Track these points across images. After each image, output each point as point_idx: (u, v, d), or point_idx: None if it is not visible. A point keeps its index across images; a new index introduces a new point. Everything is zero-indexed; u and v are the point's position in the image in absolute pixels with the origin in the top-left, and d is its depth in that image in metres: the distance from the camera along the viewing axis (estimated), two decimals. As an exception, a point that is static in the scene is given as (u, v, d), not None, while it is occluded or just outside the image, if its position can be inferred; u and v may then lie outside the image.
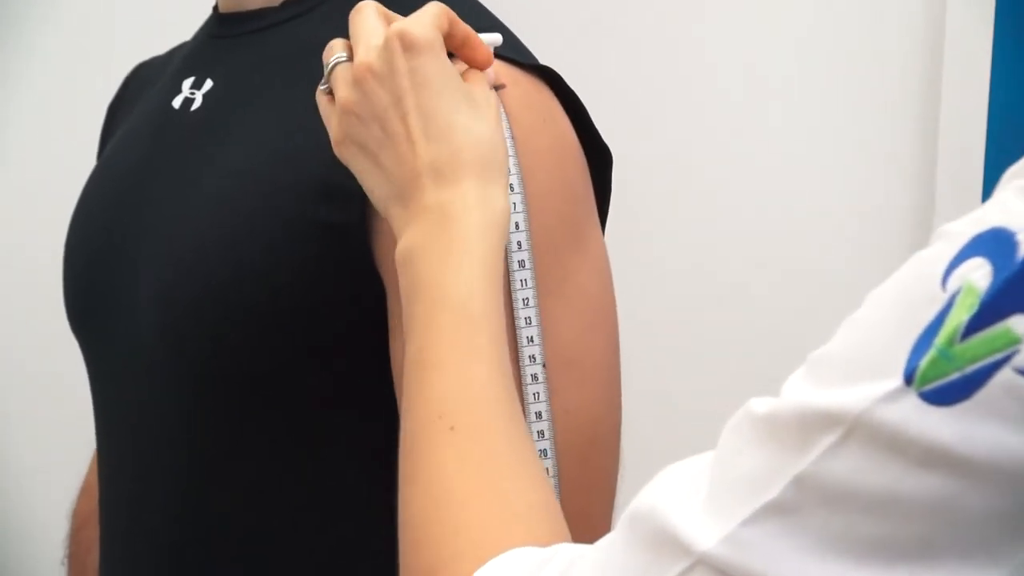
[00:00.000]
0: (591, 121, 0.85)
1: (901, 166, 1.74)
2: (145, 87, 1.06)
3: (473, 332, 0.67)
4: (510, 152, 0.77)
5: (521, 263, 0.77)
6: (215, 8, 0.98)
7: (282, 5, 0.92)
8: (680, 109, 1.85)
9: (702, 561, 0.49)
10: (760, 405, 0.51)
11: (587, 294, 0.80)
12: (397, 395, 0.77)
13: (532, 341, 0.77)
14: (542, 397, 0.77)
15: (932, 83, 1.70)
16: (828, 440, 0.47)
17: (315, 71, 0.80)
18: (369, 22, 0.74)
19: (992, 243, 0.47)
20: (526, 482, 0.63)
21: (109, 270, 0.92)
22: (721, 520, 0.49)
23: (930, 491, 0.46)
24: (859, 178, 1.76)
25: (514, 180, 0.77)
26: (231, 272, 0.81)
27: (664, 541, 0.51)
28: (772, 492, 0.48)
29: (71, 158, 1.45)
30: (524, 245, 0.77)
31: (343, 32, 0.80)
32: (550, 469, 0.76)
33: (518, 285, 0.77)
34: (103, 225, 0.95)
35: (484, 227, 0.70)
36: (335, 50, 0.76)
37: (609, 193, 0.88)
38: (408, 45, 0.72)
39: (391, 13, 0.76)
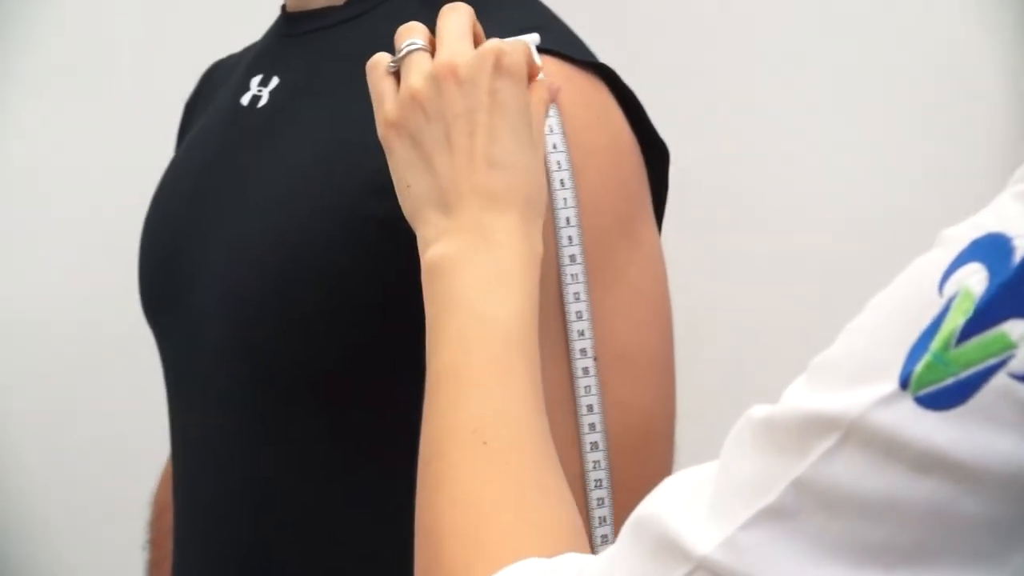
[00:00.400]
0: (647, 118, 0.86)
1: (988, 167, 1.70)
2: (219, 85, 1.09)
3: (512, 355, 0.68)
4: (561, 148, 0.78)
5: (572, 258, 0.78)
6: (283, 7, 1.00)
7: (345, 4, 0.93)
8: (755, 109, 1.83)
9: (702, 566, 0.49)
10: (760, 411, 0.51)
11: (640, 290, 0.80)
12: None
13: (583, 335, 0.78)
14: (593, 390, 0.78)
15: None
16: (825, 444, 0.48)
17: None
18: (464, 25, 0.75)
19: (989, 248, 0.47)
20: (553, 500, 0.64)
21: (180, 265, 0.95)
22: (721, 525, 0.50)
23: (925, 496, 0.46)
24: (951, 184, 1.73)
25: (565, 176, 0.78)
26: (291, 269, 0.83)
27: (666, 546, 0.51)
28: (771, 496, 0.48)
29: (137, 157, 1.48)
30: (575, 240, 0.78)
31: None
32: (601, 461, 0.77)
33: (568, 279, 0.78)
34: (176, 220, 0.97)
35: (526, 262, 0.71)
36: (413, 34, 0.76)
37: (666, 190, 0.89)
38: (501, 66, 0.73)
39: (479, 26, 0.76)
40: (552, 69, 0.81)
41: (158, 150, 1.20)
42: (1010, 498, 0.45)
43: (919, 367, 0.46)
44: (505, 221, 0.71)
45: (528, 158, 0.73)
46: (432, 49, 0.75)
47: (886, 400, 0.46)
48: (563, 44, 0.84)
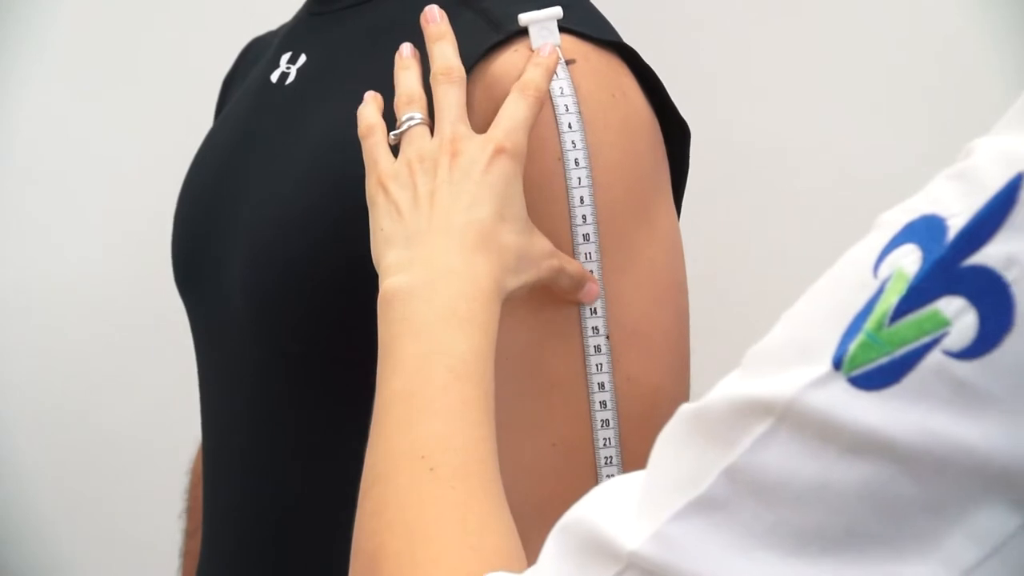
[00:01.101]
0: (668, 97, 0.86)
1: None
2: (254, 62, 1.11)
3: (466, 386, 0.68)
4: (576, 126, 0.79)
5: (586, 236, 0.78)
6: (314, -15, 1.02)
7: None
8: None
9: (632, 563, 0.48)
10: (689, 405, 0.50)
11: (654, 267, 0.81)
12: None
13: (595, 313, 0.79)
14: (604, 368, 0.78)
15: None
16: (759, 430, 0.47)
17: (397, 46, 0.83)
18: (462, 102, 0.78)
19: (923, 230, 0.46)
20: (496, 528, 0.63)
21: (210, 238, 0.97)
22: (650, 519, 0.48)
23: (859, 478, 0.45)
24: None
25: (579, 155, 0.78)
26: (309, 244, 0.84)
27: (594, 548, 0.50)
28: (701, 487, 0.47)
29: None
30: (589, 219, 0.78)
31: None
32: (612, 438, 0.78)
33: (582, 258, 0.78)
34: (206, 194, 0.99)
35: (486, 299, 0.72)
36: (412, 107, 0.79)
37: (687, 168, 0.89)
38: (501, 151, 0.75)
39: (464, 100, 0.78)
40: (570, 47, 0.81)
41: (188, 135, 1.22)
42: (945, 478, 0.44)
43: (852, 347, 0.46)
44: (468, 258, 0.72)
45: (518, 228, 0.75)
46: (430, 123, 0.78)
47: (819, 381, 0.46)
48: (585, 23, 0.84)
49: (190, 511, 1.29)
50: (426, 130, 0.78)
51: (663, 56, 0.95)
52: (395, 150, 0.79)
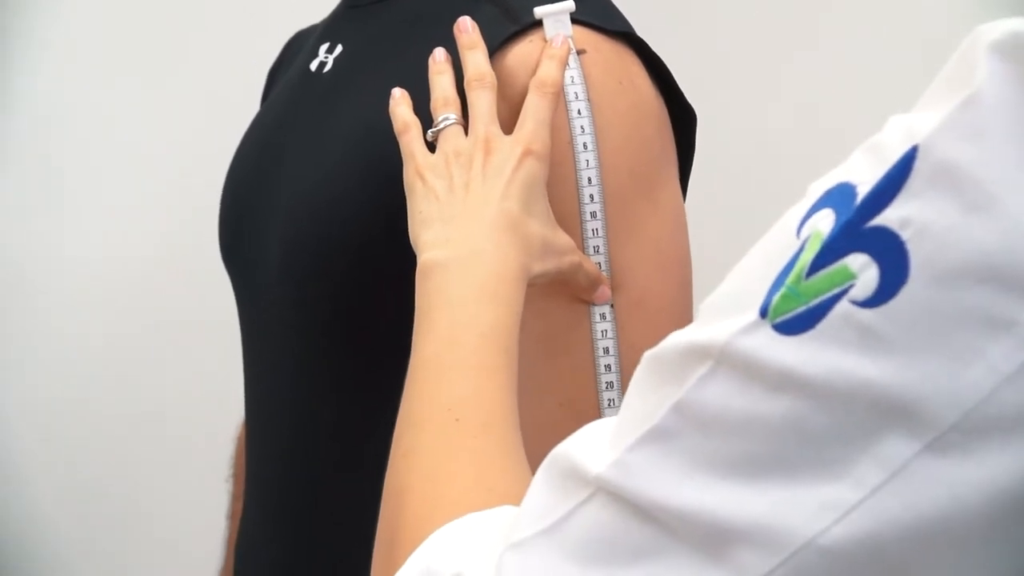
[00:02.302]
0: (676, 85, 0.92)
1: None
2: (297, 53, 1.17)
3: (492, 353, 0.76)
4: (585, 113, 0.85)
5: (593, 214, 0.85)
6: (352, -21, 1.08)
7: None
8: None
9: (599, 487, 0.55)
10: (651, 350, 0.57)
11: (658, 242, 0.87)
12: None
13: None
14: (609, 334, 0.85)
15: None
16: (701, 370, 0.53)
17: (428, 40, 0.90)
18: (493, 106, 0.85)
19: (837, 196, 0.52)
20: (511, 474, 0.71)
21: (251, 217, 1.03)
22: (613, 448, 0.55)
23: (782, 412, 0.51)
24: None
25: (588, 139, 0.85)
26: (345, 225, 0.90)
27: (570, 475, 0.57)
28: (654, 419, 0.54)
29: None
30: (596, 198, 0.85)
31: (460, 3, 0.90)
32: (615, 399, 0.85)
33: (589, 234, 0.85)
34: (248, 176, 1.06)
35: (514, 277, 0.79)
36: (448, 108, 0.86)
37: (693, 152, 0.95)
38: (529, 152, 0.83)
39: (495, 104, 0.86)
40: (581, 38, 0.88)
41: (228, 128, 1.27)
42: (853, 411, 0.50)
43: (776, 298, 0.52)
44: (499, 240, 0.80)
45: (543, 222, 0.83)
46: (464, 123, 0.86)
47: (748, 328, 0.52)
48: (596, 15, 0.90)
49: (236, 477, 1.36)
50: (461, 129, 0.86)
51: (674, 45, 1.01)
52: (430, 147, 0.86)
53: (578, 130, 0.85)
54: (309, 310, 0.95)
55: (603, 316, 0.86)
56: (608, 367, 0.85)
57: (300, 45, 1.19)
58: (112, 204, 1.88)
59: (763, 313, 0.52)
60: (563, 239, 0.84)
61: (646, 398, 0.55)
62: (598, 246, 0.85)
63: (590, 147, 0.85)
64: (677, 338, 0.55)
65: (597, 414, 0.85)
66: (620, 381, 0.85)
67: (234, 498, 1.35)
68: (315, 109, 1.00)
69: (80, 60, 1.85)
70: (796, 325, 0.51)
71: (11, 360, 1.87)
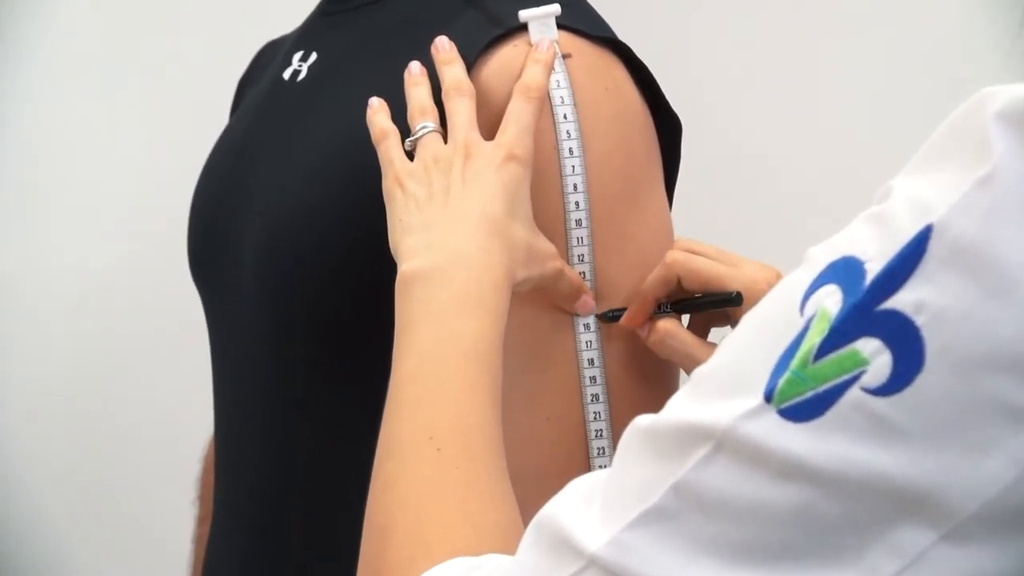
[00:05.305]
0: (661, 92, 0.90)
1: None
2: (269, 63, 1.15)
3: (476, 370, 0.73)
4: (571, 118, 0.83)
5: (578, 222, 0.83)
6: (326, -13, 1.06)
7: None
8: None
9: (592, 562, 0.53)
10: (644, 420, 0.55)
11: (643, 250, 0.85)
12: None
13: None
14: (594, 345, 0.83)
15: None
16: (701, 452, 0.51)
17: (408, 47, 0.88)
18: (473, 114, 0.83)
19: (843, 271, 0.50)
20: (497, 506, 0.68)
21: (222, 230, 1.01)
22: (609, 525, 0.53)
23: (789, 500, 0.50)
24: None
25: (574, 144, 0.83)
26: (322, 233, 0.88)
27: (562, 544, 0.55)
28: (652, 499, 0.52)
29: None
30: (582, 205, 0.83)
31: (440, 9, 0.88)
32: (601, 412, 0.82)
33: (575, 242, 0.83)
34: (219, 187, 1.04)
35: (497, 285, 0.77)
36: (425, 116, 0.84)
37: (679, 160, 0.93)
38: (512, 157, 0.80)
39: (475, 113, 0.83)
40: (566, 43, 0.86)
41: (202, 136, 1.25)
42: (864, 501, 0.49)
43: (781, 382, 0.50)
44: (482, 245, 0.77)
45: (527, 227, 0.80)
46: (442, 132, 0.83)
47: (752, 412, 0.50)
48: (581, 20, 0.89)
49: (202, 499, 1.32)
50: (439, 137, 0.83)
51: (658, 53, 0.99)
52: (409, 156, 0.84)
53: (564, 135, 0.83)
54: (284, 322, 0.92)
55: (587, 327, 0.83)
56: (593, 379, 0.82)
57: (271, 55, 1.17)
58: (88, 210, 1.88)
59: (768, 397, 0.50)
60: (546, 245, 0.82)
61: (640, 472, 0.54)
62: (583, 254, 0.83)
63: (576, 153, 0.83)
64: (674, 413, 0.54)
65: (582, 429, 0.83)
66: (606, 394, 0.82)
67: (200, 520, 1.31)
68: (290, 118, 0.97)
69: (57, 67, 1.85)
70: (804, 411, 0.50)
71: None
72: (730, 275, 0.82)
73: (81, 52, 1.85)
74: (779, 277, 0.83)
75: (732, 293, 0.81)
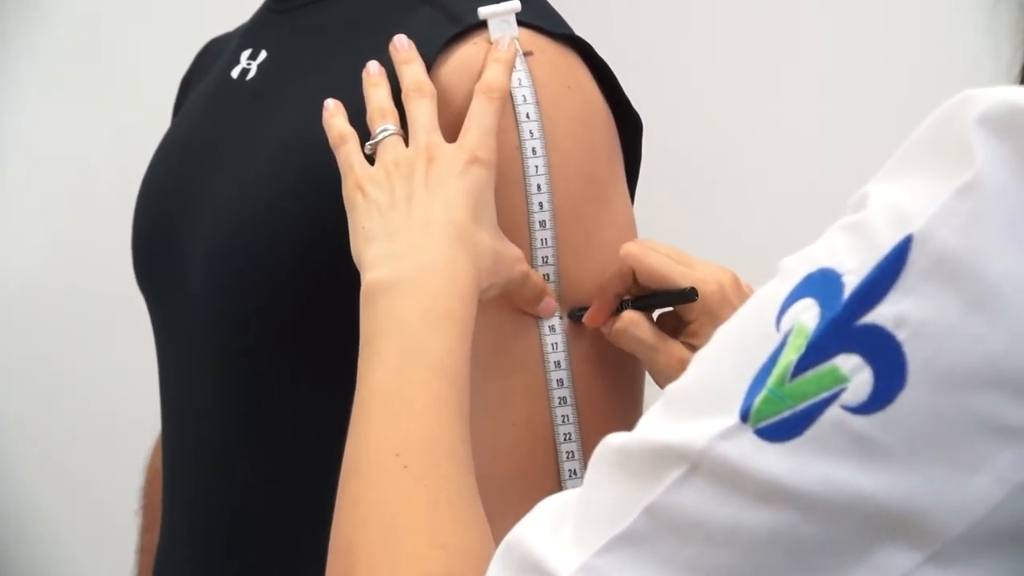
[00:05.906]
0: (622, 90, 0.89)
1: None
2: (214, 61, 1.12)
3: (442, 384, 0.71)
4: (534, 117, 0.81)
5: (542, 223, 0.81)
6: (274, -17, 1.04)
7: None
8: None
9: None
10: (616, 439, 0.53)
11: (608, 250, 0.84)
12: None
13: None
14: (560, 348, 0.82)
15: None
16: (675, 473, 0.49)
17: (362, 45, 0.86)
18: (434, 115, 0.81)
19: (820, 284, 0.49)
20: (465, 525, 0.66)
21: (168, 232, 0.98)
22: (580, 549, 0.51)
23: (768, 523, 0.48)
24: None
25: (536, 144, 0.81)
26: (274, 237, 0.86)
27: (531, 569, 0.53)
28: (625, 522, 0.50)
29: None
30: (546, 206, 0.81)
31: (393, 6, 0.86)
32: (569, 415, 0.81)
33: (538, 244, 0.81)
34: (165, 190, 1.01)
35: (463, 294, 0.74)
36: (385, 119, 0.81)
37: (639, 159, 0.92)
38: (475, 160, 0.78)
39: (436, 114, 0.81)
40: (527, 40, 0.84)
41: (151, 130, 1.23)
42: (846, 523, 0.47)
43: (758, 401, 0.48)
44: (447, 253, 0.75)
45: (492, 232, 0.78)
46: (403, 134, 0.81)
47: (728, 433, 0.49)
48: (540, 17, 0.87)
49: (145, 508, 1.29)
50: (400, 140, 0.81)
51: (619, 50, 0.98)
52: (369, 160, 0.81)
53: (527, 135, 0.81)
54: (236, 321, 0.90)
55: (552, 328, 0.82)
56: (560, 382, 0.81)
57: (216, 53, 1.15)
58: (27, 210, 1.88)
59: (744, 416, 0.49)
60: (512, 249, 0.80)
61: (612, 493, 0.52)
62: (547, 256, 0.82)
63: (539, 152, 0.81)
64: (647, 432, 0.52)
65: (550, 432, 0.81)
66: (573, 396, 0.81)
67: (144, 531, 1.28)
68: (240, 117, 0.95)
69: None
70: (781, 431, 0.48)
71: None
72: (681, 273, 0.81)
73: (9, 51, 1.83)
74: (734, 279, 0.83)
75: (687, 289, 0.80)
